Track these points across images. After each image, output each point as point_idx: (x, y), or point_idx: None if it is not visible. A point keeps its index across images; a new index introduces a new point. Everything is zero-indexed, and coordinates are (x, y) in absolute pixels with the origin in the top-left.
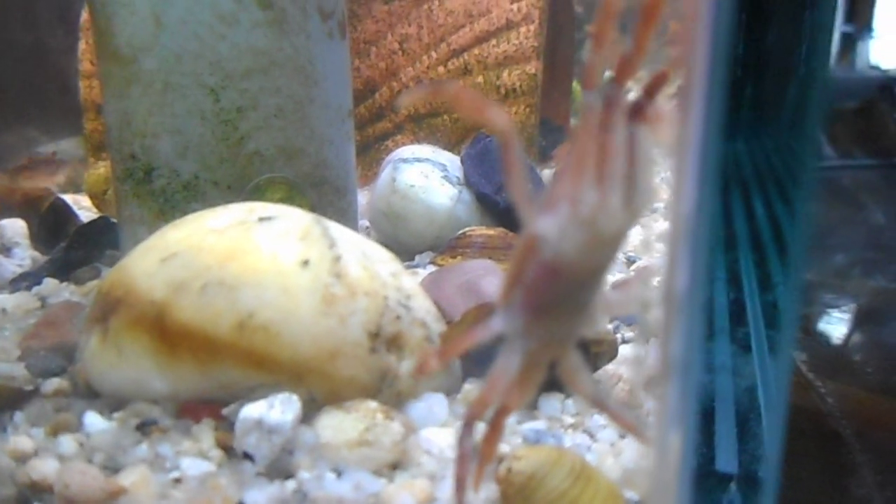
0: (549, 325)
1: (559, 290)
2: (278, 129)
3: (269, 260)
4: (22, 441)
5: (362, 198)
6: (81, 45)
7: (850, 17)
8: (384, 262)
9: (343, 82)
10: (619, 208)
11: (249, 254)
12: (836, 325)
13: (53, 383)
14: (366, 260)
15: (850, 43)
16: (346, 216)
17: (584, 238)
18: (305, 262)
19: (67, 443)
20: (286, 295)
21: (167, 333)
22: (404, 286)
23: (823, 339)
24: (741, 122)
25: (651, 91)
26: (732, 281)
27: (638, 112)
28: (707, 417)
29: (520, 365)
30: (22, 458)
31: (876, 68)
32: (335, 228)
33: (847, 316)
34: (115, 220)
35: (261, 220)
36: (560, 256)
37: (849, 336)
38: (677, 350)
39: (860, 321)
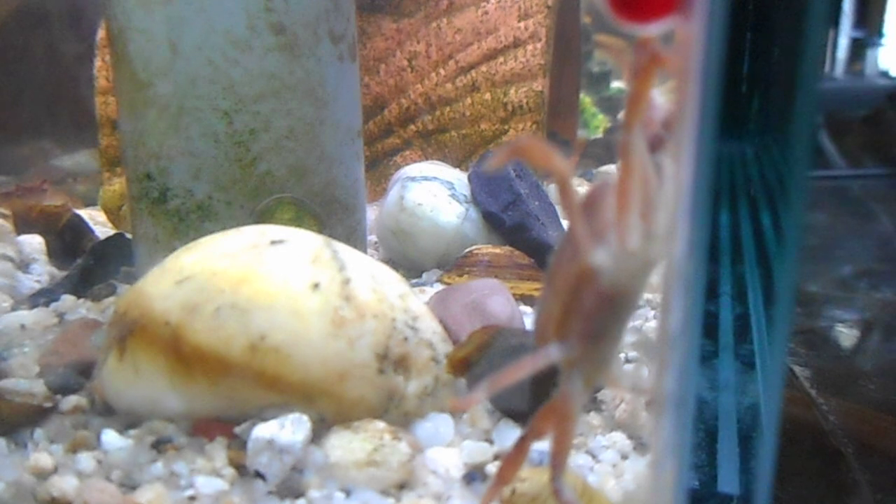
0: (603, 349)
1: (613, 316)
2: (289, 150)
3: (281, 283)
4: (42, 458)
5: (371, 214)
6: (97, 63)
7: (860, 22)
8: (392, 283)
9: (353, 103)
10: (663, 236)
11: (261, 277)
12: (841, 340)
13: (72, 400)
14: (374, 282)
15: (859, 49)
16: (354, 233)
17: (636, 266)
18: (316, 286)
19: (86, 460)
20: (297, 318)
21: (182, 354)
22: (411, 308)
23: (828, 355)
24: (750, 134)
25: (670, 124)
26: (738, 296)
27: (659, 144)
28: (710, 436)
29: (581, 389)
30: (42, 475)
31: (885, 75)
32: (345, 251)
33: (853, 330)
34: (130, 237)
35: (272, 243)
36: (616, 285)
37: (854, 351)
38: (670, 385)
39: (866, 335)
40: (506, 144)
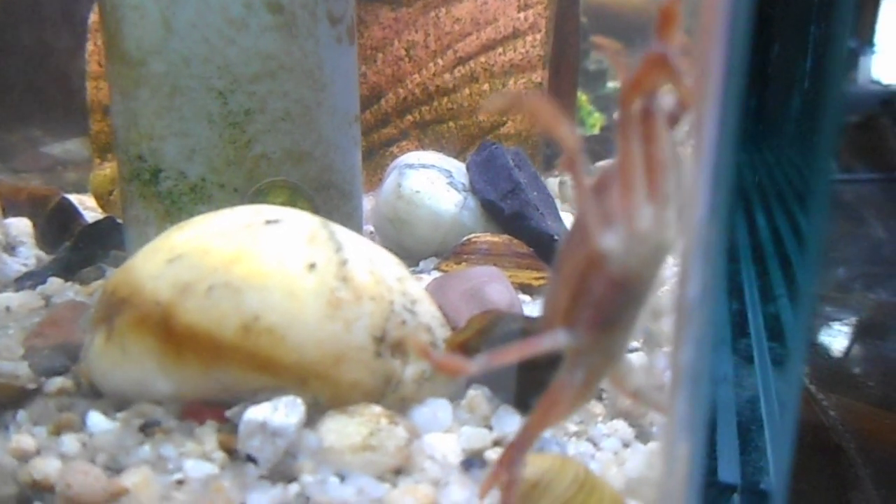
0: (612, 338)
1: (624, 303)
2: (285, 133)
3: (276, 263)
4: (24, 440)
5: (367, 203)
6: (89, 47)
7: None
8: (390, 266)
9: (351, 87)
10: (674, 218)
11: (255, 256)
12: (837, 339)
13: (57, 382)
14: (372, 264)
15: (852, 57)
16: (351, 220)
17: (647, 251)
18: (312, 266)
19: (70, 442)
20: (292, 298)
21: (172, 334)
22: (410, 291)
23: (825, 352)
24: (743, 134)
25: (684, 104)
26: (734, 292)
27: (673, 121)
28: (709, 428)
29: (583, 380)
30: (24, 457)
31: (877, 83)
32: (341, 232)
33: (849, 329)
34: (120, 221)
35: (267, 222)
36: (627, 271)
37: (850, 349)
38: (687, 359)
39: (862, 335)
40: (516, 94)
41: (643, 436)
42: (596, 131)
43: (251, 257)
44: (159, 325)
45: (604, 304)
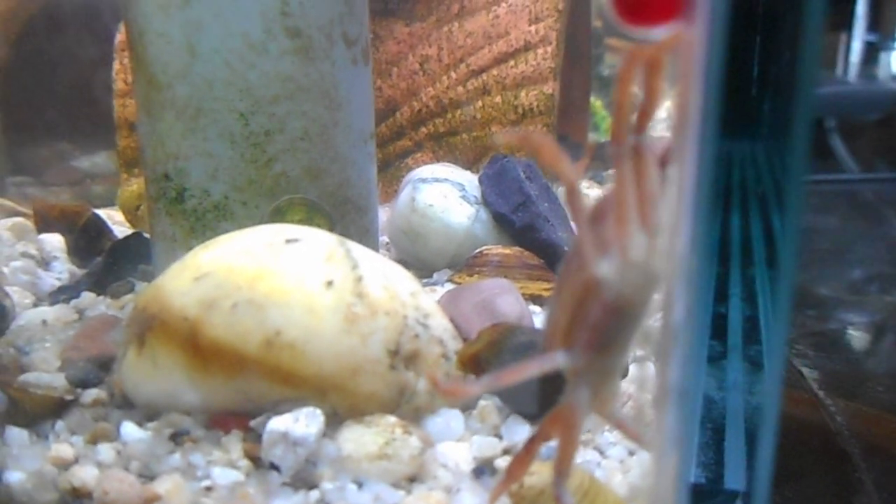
0: (608, 359)
1: (619, 328)
2: (304, 152)
3: (296, 281)
4: (63, 449)
5: (383, 215)
6: (116, 66)
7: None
8: (404, 281)
9: (366, 106)
10: (664, 248)
11: (277, 275)
12: (850, 343)
13: (92, 394)
14: (386, 280)
15: (873, 53)
16: (367, 234)
17: (640, 279)
18: (329, 283)
19: (106, 451)
20: (311, 314)
21: (199, 349)
22: (423, 305)
23: (837, 357)
24: (759, 137)
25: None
26: (748, 298)
27: (667, 159)
28: (717, 435)
29: (588, 398)
30: (63, 465)
31: None
32: (357, 250)
33: (862, 333)
34: (148, 236)
35: (288, 241)
36: (621, 297)
37: (863, 354)
38: (674, 377)
39: (876, 338)
40: (521, 132)
41: (648, 445)
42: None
43: (273, 275)
44: (187, 339)
45: (600, 327)
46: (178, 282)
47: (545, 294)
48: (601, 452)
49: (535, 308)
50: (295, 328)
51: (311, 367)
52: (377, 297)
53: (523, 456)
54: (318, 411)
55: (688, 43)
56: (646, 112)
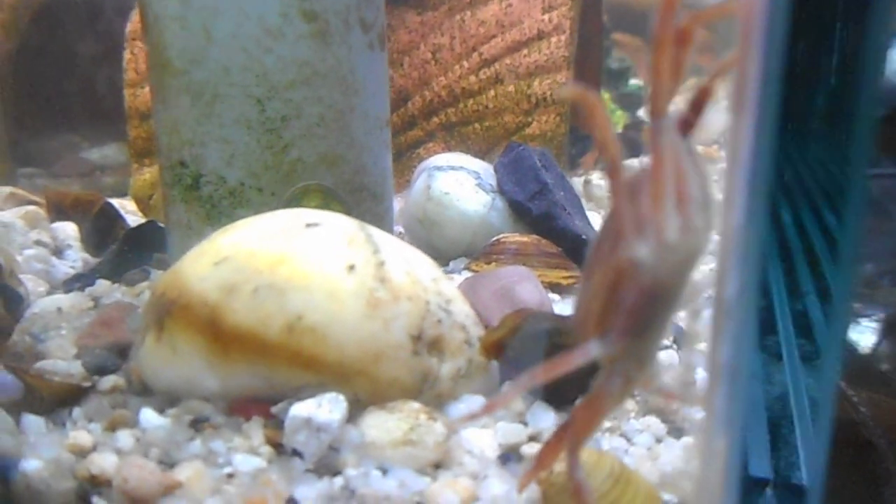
0: (644, 344)
1: (654, 310)
2: (320, 138)
3: (317, 265)
4: (81, 436)
5: (396, 204)
6: (126, 55)
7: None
8: (425, 266)
9: (382, 92)
10: (702, 227)
11: (298, 259)
12: (865, 334)
13: (110, 380)
14: (408, 265)
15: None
16: (382, 222)
17: (676, 260)
18: (351, 267)
19: (125, 438)
20: (333, 299)
21: (220, 334)
22: (444, 291)
23: (853, 348)
24: (806, 131)
25: (698, 105)
26: (761, 290)
27: (687, 127)
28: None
29: (621, 386)
30: (81, 453)
31: None
32: (378, 234)
33: (876, 325)
34: (162, 225)
35: (308, 226)
36: (657, 280)
37: (878, 345)
38: (726, 355)
39: (890, 330)
40: (580, 89)
41: (675, 431)
42: (619, 129)
43: (294, 260)
44: (207, 325)
45: (635, 312)
46: (198, 267)
47: (564, 282)
48: (628, 440)
49: (554, 296)
50: (316, 313)
51: (333, 353)
52: (399, 282)
53: (554, 443)
54: (342, 397)
55: (748, 10)
56: (671, 88)
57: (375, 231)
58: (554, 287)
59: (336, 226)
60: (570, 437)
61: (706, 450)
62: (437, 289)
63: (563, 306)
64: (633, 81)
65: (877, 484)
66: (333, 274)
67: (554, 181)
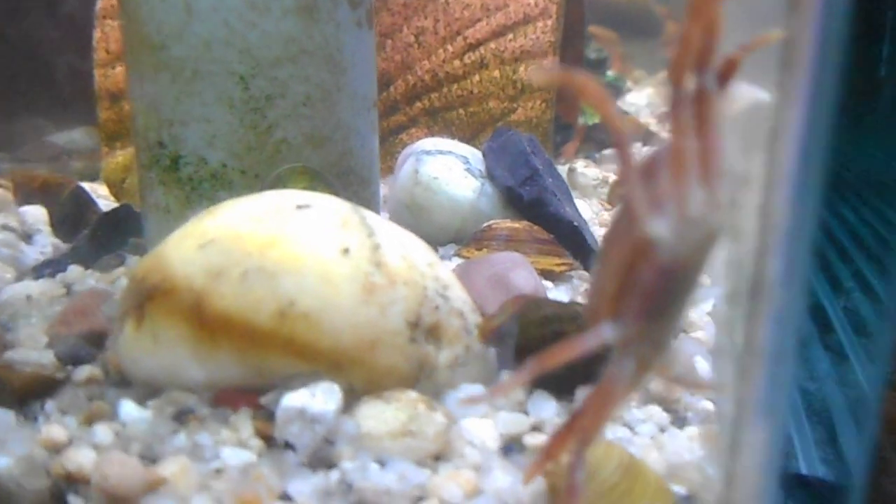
0: (660, 326)
1: (672, 291)
2: (306, 118)
3: (310, 247)
4: (55, 431)
5: (381, 189)
6: (96, 34)
7: None
8: (420, 251)
9: (369, 72)
10: (725, 201)
11: (290, 241)
12: None
13: (85, 371)
14: (403, 249)
15: None
16: (369, 206)
17: (698, 237)
18: (346, 251)
19: (103, 432)
20: (327, 283)
21: (206, 321)
22: (441, 276)
23: None
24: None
25: (725, 76)
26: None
27: (731, 71)
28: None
29: (633, 371)
30: (56, 449)
31: None
32: (371, 217)
33: None
34: (137, 209)
35: (298, 207)
36: (676, 258)
37: None
38: (767, 338)
39: None
40: (562, 71)
41: (678, 421)
42: (597, 120)
43: (285, 242)
44: (192, 311)
45: (652, 292)
46: (182, 250)
47: (556, 269)
48: (631, 429)
49: (547, 283)
50: (310, 298)
51: (328, 340)
52: (396, 267)
53: (563, 433)
54: (336, 386)
55: None
56: (708, 48)
57: (369, 214)
58: (546, 274)
59: (328, 208)
60: (579, 430)
61: (735, 442)
62: (434, 274)
63: (556, 293)
64: (610, 73)
65: (874, 473)
66: (327, 257)
67: (543, 167)
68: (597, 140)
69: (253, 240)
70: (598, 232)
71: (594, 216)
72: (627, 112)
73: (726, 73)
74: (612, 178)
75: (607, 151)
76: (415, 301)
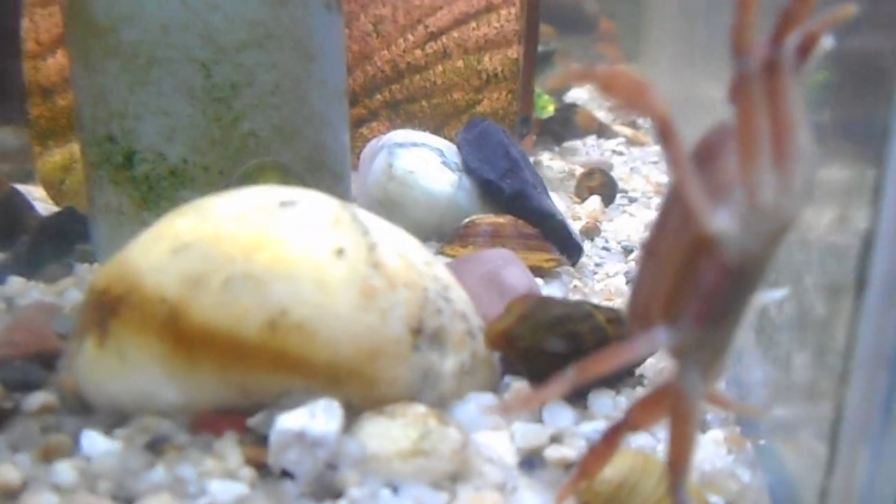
0: (723, 332)
1: (738, 291)
2: (274, 108)
3: (301, 249)
4: (6, 471)
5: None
6: (25, 23)
7: None
8: (416, 249)
9: (339, 59)
10: (801, 188)
11: (278, 242)
12: None
13: (37, 398)
14: (399, 247)
15: None
16: None
17: (770, 228)
18: (340, 252)
19: (64, 470)
20: (322, 288)
21: (182, 336)
22: (440, 276)
23: None
24: None
25: (803, 51)
26: None
27: (810, 43)
28: None
29: (700, 380)
30: (9, 493)
31: None
32: (362, 213)
33: None
34: (82, 212)
35: (283, 204)
36: (744, 254)
37: None
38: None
39: None
40: (586, 68)
41: (701, 426)
42: (551, 112)
43: (273, 243)
44: (166, 325)
45: (715, 294)
46: (151, 255)
47: (545, 265)
48: (653, 436)
49: (539, 280)
50: (304, 306)
51: (324, 352)
52: (394, 268)
53: (603, 448)
54: (336, 404)
55: None
56: (793, 14)
57: (359, 210)
58: (535, 271)
59: (316, 204)
60: (669, 461)
61: (834, 456)
62: (433, 273)
63: (550, 291)
64: (557, 67)
65: None
66: (321, 259)
67: (521, 159)
68: (552, 133)
69: (236, 242)
70: (574, 226)
71: (566, 210)
72: (578, 105)
73: (806, 47)
74: (578, 170)
75: (567, 144)
76: (416, 305)
